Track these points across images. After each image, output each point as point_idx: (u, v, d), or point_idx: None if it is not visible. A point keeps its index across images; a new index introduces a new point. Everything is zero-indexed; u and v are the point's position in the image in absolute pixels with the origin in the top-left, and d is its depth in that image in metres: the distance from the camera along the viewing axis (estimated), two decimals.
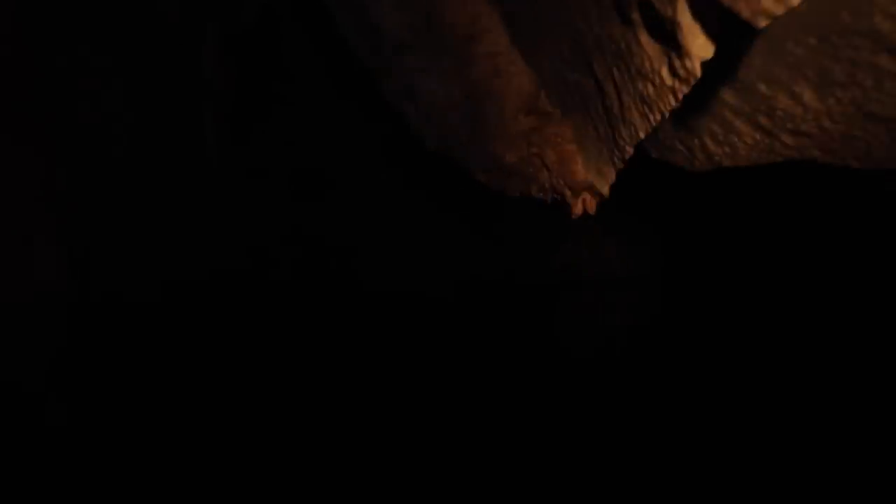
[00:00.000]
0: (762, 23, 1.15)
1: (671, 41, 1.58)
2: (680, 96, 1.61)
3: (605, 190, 2.73)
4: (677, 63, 1.56)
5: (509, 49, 3.68)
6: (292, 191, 4.84)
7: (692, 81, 1.51)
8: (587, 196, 2.89)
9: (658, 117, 1.82)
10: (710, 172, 2.99)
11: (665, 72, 1.70)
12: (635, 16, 1.80)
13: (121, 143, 3.68)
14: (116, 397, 2.89)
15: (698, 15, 1.45)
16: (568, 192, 2.92)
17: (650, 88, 1.86)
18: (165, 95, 3.59)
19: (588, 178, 2.78)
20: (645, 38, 1.85)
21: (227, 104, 4.68)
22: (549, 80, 3.01)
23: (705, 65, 1.57)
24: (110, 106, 3.34)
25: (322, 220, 4.96)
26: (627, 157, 2.31)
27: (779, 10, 1.12)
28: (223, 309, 3.72)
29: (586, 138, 2.70)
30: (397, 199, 4.92)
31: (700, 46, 1.47)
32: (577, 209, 2.95)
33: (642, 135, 2.02)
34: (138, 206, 3.54)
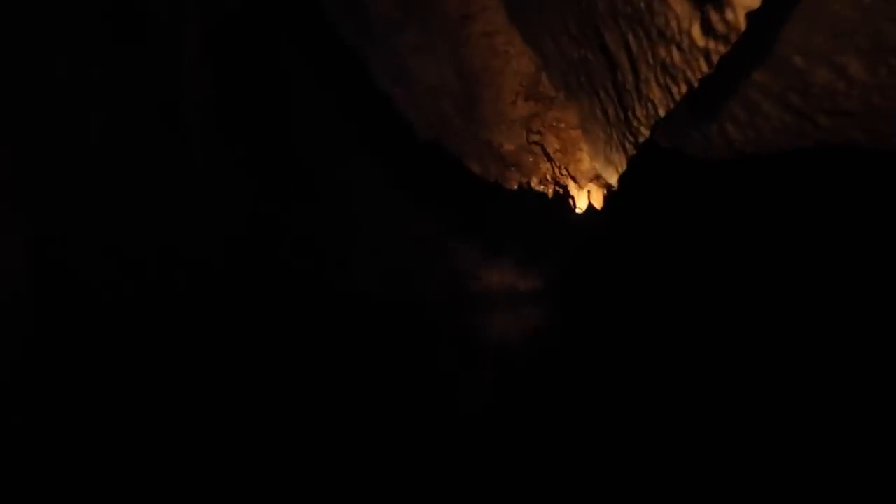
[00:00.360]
0: None
1: None
2: (715, 59, 1.34)
3: (614, 180, 2.46)
4: (714, 17, 1.30)
5: (507, 28, 3.39)
6: (279, 189, 4.60)
7: (733, 39, 1.25)
8: (593, 188, 2.62)
9: (683, 89, 1.56)
10: (728, 162, 2.73)
11: (696, 31, 1.44)
12: None
13: (96, 135, 3.46)
14: (83, 395, 2.74)
15: None
16: (572, 184, 2.65)
17: (675, 54, 1.61)
18: (147, 88, 3.43)
19: (594, 168, 2.51)
20: None
21: (210, 96, 4.44)
22: (551, 59, 2.74)
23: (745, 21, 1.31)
24: (88, 100, 3.14)
25: (310, 218, 4.69)
26: (642, 140, 2.04)
27: None
28: (202, 307, 3.50)
29: (593, 123, 2.44)
30: (388, 195, 4.63)
31: None
32: (582, 203, 2.68)
33: (662, 112, 1.76)
34: (113, 200, 3.25)
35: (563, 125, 2.50)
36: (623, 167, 2.35)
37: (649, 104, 1.80)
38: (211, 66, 3.89)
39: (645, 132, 1.97)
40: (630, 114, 2.00)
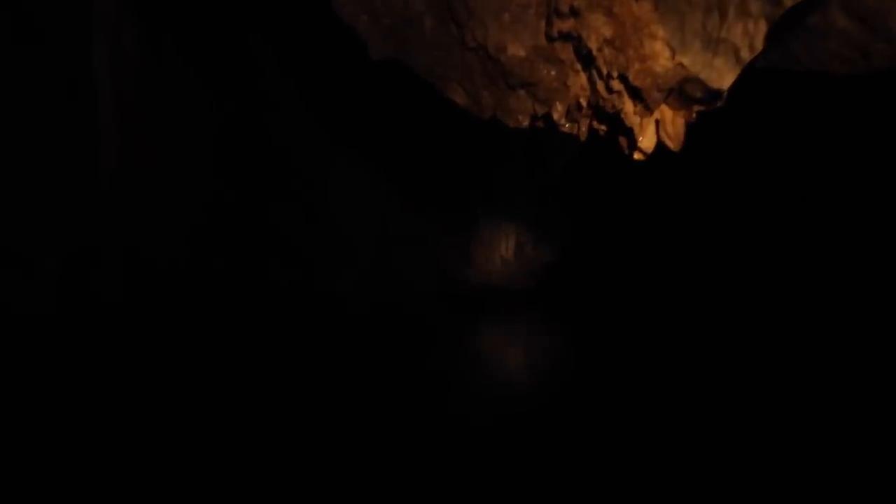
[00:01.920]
0: None
1: None
2: None
3: (725, 81, 1.30)
4: None
5: None
6: (240, 175, 3.91)
7: None
8: (668, 112, 1.46)
9: None
10: (883, 77, 1.57)
11: None
12: None
13: None
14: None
15: None
16: (629, 107, 1.50)
17: None
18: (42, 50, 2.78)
19: (678, 69, 1.34)
20: None
21: (133, 58, 3.61)
22: None
23: None
24: None
25: (279, 212, 3.92)
26: None
27: None
28: (164, 314, 3.29)
29: None
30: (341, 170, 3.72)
31: None
32: (647, 141, 1.53)
33: None
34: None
35: None
36: (756, 48, 1.18)
37: None
38: (132, 21, 3.15)
39: None
40: None
